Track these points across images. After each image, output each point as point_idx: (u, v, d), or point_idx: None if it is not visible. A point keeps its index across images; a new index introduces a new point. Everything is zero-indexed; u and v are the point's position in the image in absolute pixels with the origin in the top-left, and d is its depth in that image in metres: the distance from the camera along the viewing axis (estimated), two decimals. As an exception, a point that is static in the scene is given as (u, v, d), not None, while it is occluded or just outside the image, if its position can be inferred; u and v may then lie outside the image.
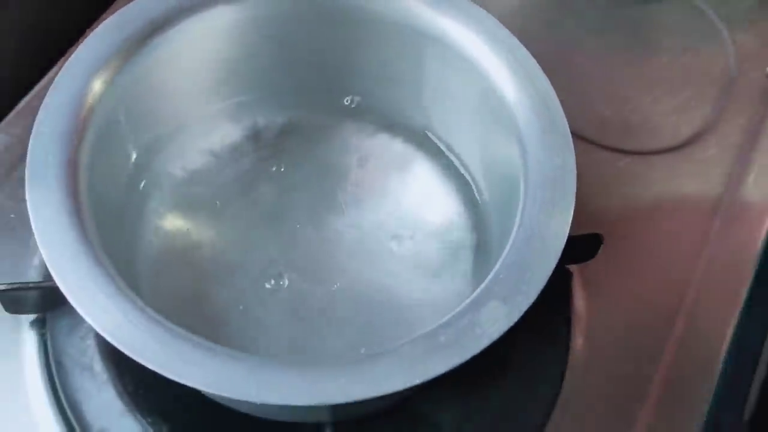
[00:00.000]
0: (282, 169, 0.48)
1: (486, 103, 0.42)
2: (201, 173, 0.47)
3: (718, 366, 0.49)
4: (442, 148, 0.48)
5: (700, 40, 0.61)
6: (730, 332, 0.50)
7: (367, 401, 0.39)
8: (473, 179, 0.46)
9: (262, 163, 0.48)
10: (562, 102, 0.55)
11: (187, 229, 0.46)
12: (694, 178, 0.55)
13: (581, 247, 0.48)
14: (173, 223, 0.46)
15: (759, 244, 0.53)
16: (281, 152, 0.49)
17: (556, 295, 0.48)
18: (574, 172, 0.38)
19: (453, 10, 0.42)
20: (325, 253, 0.46)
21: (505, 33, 0.41)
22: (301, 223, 0.47)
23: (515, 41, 0.41)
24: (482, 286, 0.36)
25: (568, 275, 0.51)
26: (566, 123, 0.39)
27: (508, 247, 0.36)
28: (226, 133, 0.49)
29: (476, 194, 0.46)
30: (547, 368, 0.47)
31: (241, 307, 0.44)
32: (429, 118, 0.48)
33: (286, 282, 0.45)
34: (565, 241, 0.37)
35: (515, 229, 0.37)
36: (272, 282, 0.45)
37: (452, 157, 0.48)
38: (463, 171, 0.47)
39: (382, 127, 0.50)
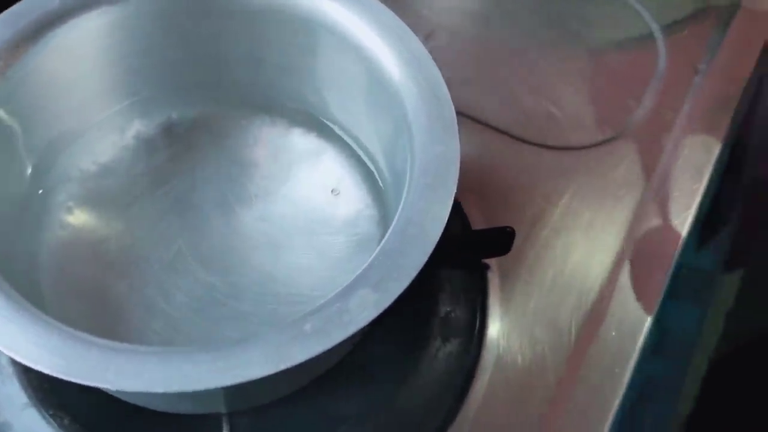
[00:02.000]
0: (194, 163, 0.48)
1: (378, 93, 0.42)
2: (112, 167, 0.48)
3: (633, 360, 0.48)
4: (349, 141, 0.48)
5: (630, 36, 0.61)
6: (647, 326, 0.49)
7: (259, 391, 0.39)
8: (378, 170, 0.46)
9: (174, 156, 0.48)
10: (487, 96, 0.56)
11: (95, 223, 0.46)
12: (617, 173, 0.55)
13: (494, 240, 0.48)
14: (81, 216, 0.46)
15: (680, 241, 0.53)
16: (193, 146, 0.49)
17: (471, 288, 0.49)
18: (457, 159, 0.38)
19: (347, 1, 0.42)
20: (233, 245, 0.46)
21: (396, 22, 0.41)
22: (211, 216, 0.47)
23: (406, 30, 0.41)
24: (357, 273, 0.35)
25: (484, 269, 0.50)
26: (453, 111, 0.39)
27: (387, 234, 0.36)
28: (139, 128, 0.49)
29: (381, 185, 0.46)
30: (459, 361, 0.47)
31: (144, 300, 0.44)
32: (333, 110, 0.48)
33: (192, 274, 0.45)
34: (443, 228, 0.36)
35: (396, 216, 0.37)
36: (178, 274, 0.45)
37: (358, 150, 0.48)
38: (368, 163, 0.47)
39: (294, 121, 0.50)
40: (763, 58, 0.59)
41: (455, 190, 0.37)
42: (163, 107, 0.49)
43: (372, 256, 0.36)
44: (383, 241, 0.36)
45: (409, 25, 0.59)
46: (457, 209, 0.51)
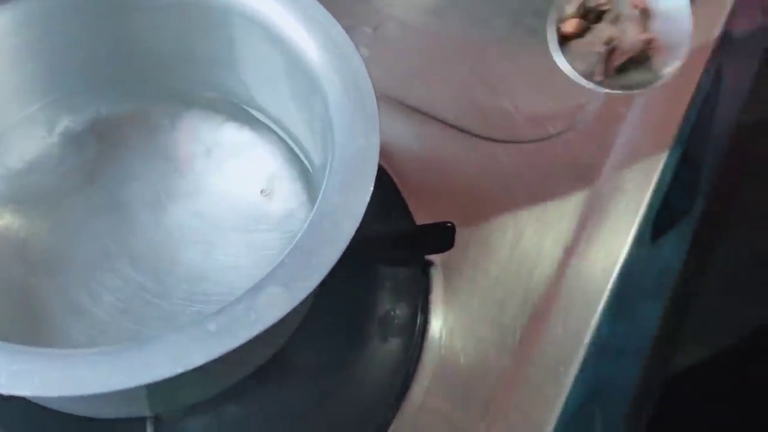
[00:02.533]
0: (124, 160, 0.47)
1: (301, 85, 0.41)
2: (39, 164, 0.47)
3: (578, 360, 0.47)
4: (282, 135, 0.47)
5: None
6: (593, 324, 0.48)
7: (181, 392, 0.38)
8: (311, 164, 0.45)
9: (103, 153, 0.47)
10: (438, 90, 0.54)
11: (21, 222, 0.45)
12: (568, 167, 0.54)
13: (435, 236, 0.47)
14: (5, 215, 0.45)
15: (631, 235, 0.51)
16: (124, 142, 0.48)
17: (413, 286, 0.48)
18: (377, 154, 0.37)
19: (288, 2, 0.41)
20: (164, 243, 0.45)
21: (319, 11, 0.40)
22: (141, 214, 0.46)
23: (331, 20, 0.40)
24: (269, 271, 0.34)
25: (427, 266, 0.49)
26: (375, 103, 0.38)
27: (301, 231, 0.35)
28: (67, 124, 0.48)
29: (315, 179, 0.45)
30: (399, 361, 0.46)
31: (69, 301, 0.43)
32: (262, 103, 0.47)
33: (121, 273, 0.44)
34: (358, 223, 0.35)
35: (313, 211, 0.35)
36: (105, 274, 0.44)
37: (292, 144, 0.47)
38: (302, 157, 0.46)
39: (228, 115, 0.49)
40: (720, 47, 0.58)
41: (372, 186, 0.36)
42: (91, 102, 0.47)
43: (284, 254, 0.34)
44: (296, 238, 0.35)
45: (359, 15, 0.61)
46: (401, 205, 0.50)
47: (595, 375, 0.48)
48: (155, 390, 0.36)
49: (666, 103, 0.56)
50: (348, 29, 0.56)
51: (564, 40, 0.45)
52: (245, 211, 0.46)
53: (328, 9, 0.58)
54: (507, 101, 0.56)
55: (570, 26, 0.45)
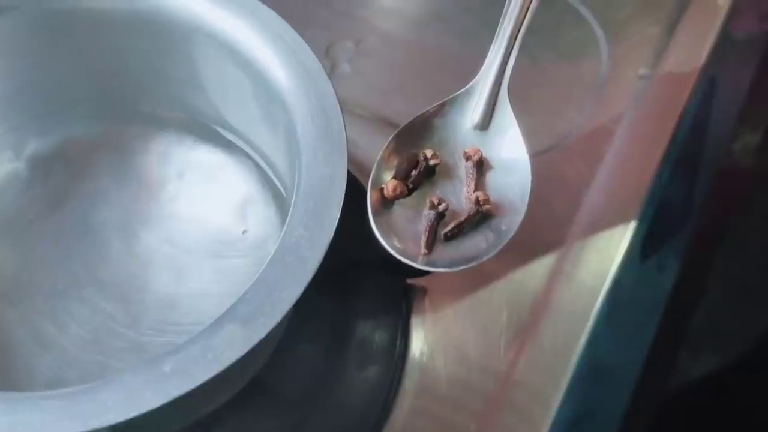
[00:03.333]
0: (95, 183, 0.46)
1: (270, 108, 0.39)
2: (6, 188, 0.45)
3: (564, 383, 0.45)
4: (256, 158, 0.46)
5: (573, 42, 0.58)
6: (581, 346, 0.46)
7: (149, 426, 0.36)
8: (285, 189, 0.43)
9: (73, 176, 0.46)
10: (420, 104, 0.52)
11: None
12: (554, 185, 0.52)
13: None
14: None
15: (618, 255, 0.49)
16: (94, 165, 0.46)
17: (392, 309, 0.47)
18: (343, 183, 0.35)
19: (238, 10, 0.39)
20: (134, 270, 0.44)
21: (289, 33, 0.39)
22: (111, 239, 0.45)
23: (299, 41, 0.39)
24: (228, 307, 0.33)
25: (407, 286, 0.47)
26: (343, 130, 0.37)
27: (266, 263, 0.33)
28: (36, 146, 0.47)
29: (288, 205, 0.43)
30: (377, 389, 0.45)
31: (35, 331, 0.42)
32: (235, 125, 0.46)
33: (89, 302, 0.42)
34: (323, 257, 0.33)
35: (277, 243, 0.34)
36: (73, 302, 0.42)
37: (266, 168, 0.45)
38: (276, 181, 0.45)
39: (201, 137, 0.47)
40: (713, 57, 0.55)
41: (338, 217, 0.35)
42: (60, 125, 0.46)
43: (246, 288, 0.33)
44: (260, 272, 0.33)
45: (340, 29, 0.59)
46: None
47: (584, 396, 0.46)
48: (116, 428, 0.35)
49: (657, 117, 0.54)
50: (329, 45, 0.57)
51: (387, 203, 0.39)
52: (217, 237, 0.45)
53: (308, 25, 0.57)
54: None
55: (392, 188, 0.38)
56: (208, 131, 0.47)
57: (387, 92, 0.56)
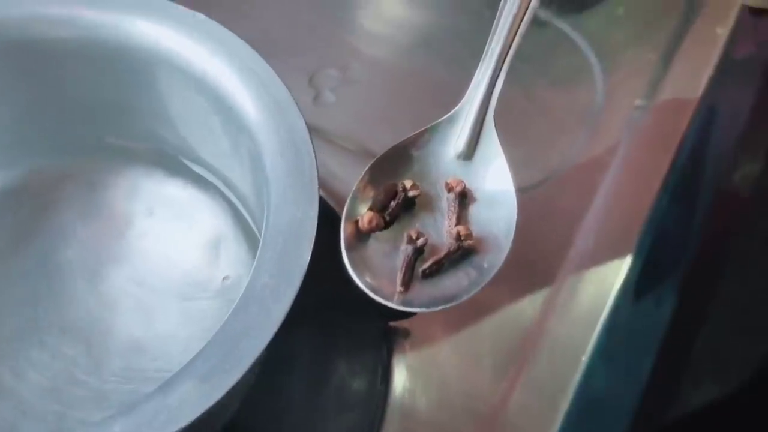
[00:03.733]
0: (61, 218, 0.43)
1: (241, 145, 0.37)
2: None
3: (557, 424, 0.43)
4: (228, 194, 0.44)
5: (566, 70, 0.56)
6: (572, 390, 0.44)
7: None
8: (258, 227, 0.41)
9: (39, 211, 0.44)
10: (406, 135, 0.50)
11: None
12: (546, 221, 0.49)
13: None
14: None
15: (612, 293, 0.47)
16: (62, 200, 0.44)
17: (371, 352, 0.45)
18: (313, 227, 0.33)
19: (205, 40, 0.37)
20: (99, 312, 0.42)
21: (260, 65, 0.36)
22: (77, 278, 0.43)
23: (270, 74, 0.36)
24: (186, 363, 0.30)
25: (388, 327, 0.45)
26: (315, 167, 0.34)
27: (228, 314, 0.31)
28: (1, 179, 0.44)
29: (261, 244, 0.41)
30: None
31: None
32: (207, 160, 0.44)
33: (49, 346, 0.40)
34: (289, 307, 0.31)
35: (241, 292, 0.32)
36: (32, 346, 0.40)
37: (238, 204, 0.43)
38: (249, 219, 0.42)
39: (171, 171, 0.45)
40: (712, 86, 0.53)
41: (307, 264, 0.32)
42: (25, 157, 0.44)
43: (206, 343, 0.31)
44: (222, 324, 0.31)
45: (325, 57, 0.57)
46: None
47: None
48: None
49: (653, 149, 0.52)
50: (313, 73, 0.54)
51: (362, 237, 0.36)
52: (187, 277, 0.43)
53: (293, 52, 0.56)
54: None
55: (368, 220, 0.36)
56: (178, 165, 0.45)
57: (372, 122, 0.54)
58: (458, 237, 0.35)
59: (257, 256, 0.33)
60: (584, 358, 0.44)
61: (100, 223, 0.44)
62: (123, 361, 0.41)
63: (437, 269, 0.35)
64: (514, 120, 0.52)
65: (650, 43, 0.55)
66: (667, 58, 0.54)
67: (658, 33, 0.55)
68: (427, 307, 0.34)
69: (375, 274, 0.34)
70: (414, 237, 0.35)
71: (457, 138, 0.37)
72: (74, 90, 0.41)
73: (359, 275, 0.34)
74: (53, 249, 0.43)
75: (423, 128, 0.38)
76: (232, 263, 0.43)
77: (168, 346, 0.41)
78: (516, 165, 0.49)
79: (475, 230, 0.36)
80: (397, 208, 0.36)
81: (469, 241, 0.35)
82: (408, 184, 0.36)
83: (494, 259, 0.35)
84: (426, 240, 0.35)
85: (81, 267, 0.43)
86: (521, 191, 0.49)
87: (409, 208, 0.37)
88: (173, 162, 0.45)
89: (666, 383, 0.47)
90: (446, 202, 0.37)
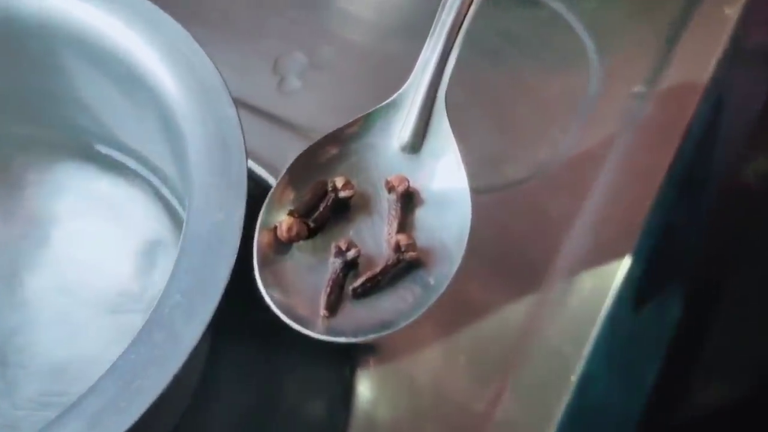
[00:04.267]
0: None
1: (170, 138, 0.31)
2: None
3: None
4: (165, 192, 0.39)
5: (559, 54, 0.51)
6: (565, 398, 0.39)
7: None
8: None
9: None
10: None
11: None
12: (531, 222, 0.45)
13: None
14: None
15: (610, 299, 0.42)
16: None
17: (330, 383, 0.40)
18: (237, 235, 0.28)
19: (118, 11, 0.32)
20: (18, 326, 0.37)
21: (189, 45, 0.31)
22: (-7, 288, 0.37)
23: (200, 54, 0.31)
24: (76, 399, 0.25)
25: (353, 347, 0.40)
26: (244, 165, 0.29)
27: (130, 342, 0.26)
28: None
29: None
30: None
31: None
32: (144, 154, 0.39)
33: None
34: (201, 333, 0.26)
35: (149, 315, 0.26)
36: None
37: (175, 203, 0.38)
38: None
39: (105, 167, 0.40)
40: (720, 72, 0.48)
41: (227, 280, 0.26)
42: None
43: (101, 376, 0.26)
44: (120, 355, 0.26)
45: (291, 39, 0.51)
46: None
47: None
48: None
49: (654, 142, 0.47)
50: (278, 57, 0.49)
51: (282, 248, 0.30)
52: (118, 286, 0.38)
53: (257, 35, 0.50)
54: (461, 140, 0.46)
55: (287, 228, 0.30)
56: (106, 158, 0.40)
57: (342, 111, 0.48)
58: (398, 248, 0.29)
59: (172, 269, 0.28)
60: (580, 366, 0.40)
61: (23, 226, 0.39)
62: (40, 383, 0.36)
63: (372, 287, 0.29)
64: (499, 109, 0.48)
65: (652, 24, 0.50)
66: (671, 41, 0.49)
67: (661, 13, 0.50)
68: (355, 335, 0.28)
69: (294, 294, 0.29)
70: (344, 248, 0.30)
71: (402, 127, 0.31)
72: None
73: (273, 295, 0.28)
74: (-34, 253, 0.38)
75: (359, 115, 0.32)
76: (168, 272, 0.37)
77: (93, 367, 0.35)
78: (500, 159, 0.46)
79: (421, 238, 0.30)
80: (326, 211, 0.30)
81: (412, 253, 0.29)
82: (339, 182, 0.31)
83: (441, 274, 0.29)
84: (358, 251, 0.30)
85: (-3, 274, 0.37)
86: (504, 188, 0.46)
87: (341, 213, 0.31)
88: (100, 155, 0.40)
89: (672, 391, 0.43)
90: (386, 204, 0.31)
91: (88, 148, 0.40)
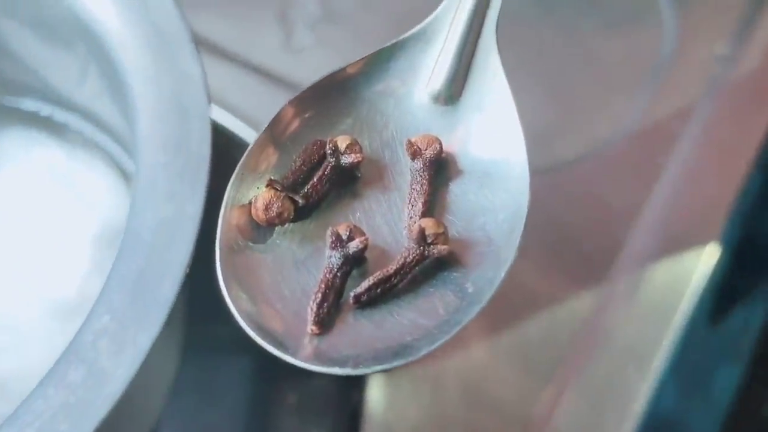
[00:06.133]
0: None
1: (116, 101, 0.25)
2: None
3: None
4: (126, 164, 0.32)
5: (628, 9, 0.45)
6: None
7: None
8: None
9: None
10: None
11: None
12: (586, 208, 0.40)
13: None
14: None
15: (679, 314, 0.37)
16: None
17: (336, 392, 0.35)
18: (192, 232, 0.20)
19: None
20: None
21: (174, 19, 0.24)
22: None
23: (180, 26, 0.24)
24: None
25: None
26: (207, 141, 0.22)
27: (35, 388, 0.21)
28: None
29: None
30: None
31: None
32: (101, 118, 0.33)
33: None
34: (132, 376, 0.19)
35: (65, 349, 0.21)
36: None
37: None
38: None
39: (56, 135, 0.34)
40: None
41: (175, 294, 0.20)
42: None
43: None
44: (22, 402, 0.19)
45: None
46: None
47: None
48: None
49: (740, 114, 0.42)
50: (285, 7, 0.44)
51: (257, 234, 0.22)
52: (71, 285, 0.32)
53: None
54: (534, 113, 0.41)
55: (265, 206, 0.21)
56: (55, 122, 0.33)
57: None
58: (422, 237, 0.21)
59: (105, 281, 0.21)
60: (650, 374, 0.36)
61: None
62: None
63: (382, 294, 0.21)
64: (551, 73, 0.43)
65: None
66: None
67: (753, -44, 0.45)
68: (355, 365, 0.20)
69: (272, 301, 0.21)
70: (344, 236, 0.21)
71: (433, 68, 0.23)
72: None
73: (240, 303, 0.20)
74: None
75: (375, 50, 0.24)
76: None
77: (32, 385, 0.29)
78: (551, 134, 0.41)
79: (457, 226, 0.22)
80: (322, 184, 0.22)
81: (442, 246, 0.21)
82: (342, 143, 0.22)
83: (485, 278, 0.21)
84: (366, 242, 0.21)
85: None
86: (556, 169, 0.40)
87: (344, 187, 0.23)
88: (40, 116, 0.33)
89: (753, 406, 0.39)
90: (408, 175, 0.23)
91: (25, 108, 0.33)
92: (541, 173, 0.39)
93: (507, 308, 0.38)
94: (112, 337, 0.20)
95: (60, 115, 0.33)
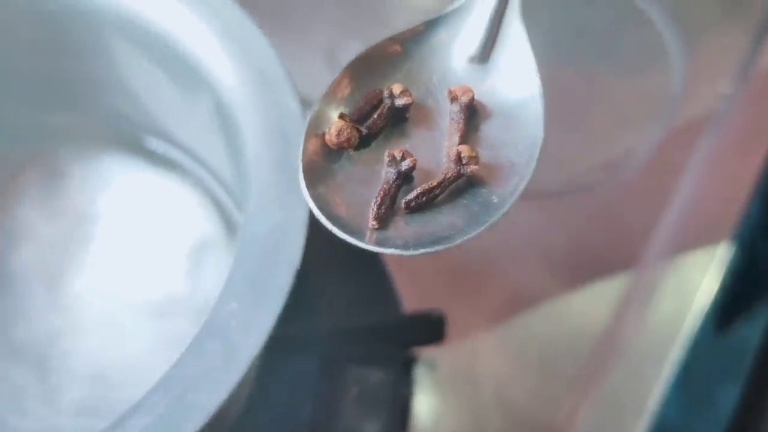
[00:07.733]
0: (18, 216, 0.37)
1: (225, 130, 0.29)
2: None
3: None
4: (215, 187, 0.36)
5: (637, 52, 0.47)
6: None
7: None
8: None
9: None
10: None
11: None
12: (605, 231, 0.43)
13: (420, 327, 0.38)
14: None
15: (686, 323, 0.38)
16: (18, 193, 0.37)
17: (391, 392, 0.37)
18: (301, 235, 0.25)
19: (193, 4, 0.29)
20: (58, 329, 0.35)
21: (246, 26, 0.29)
22: (33, 288, 0.36)
23: (260, 39, 0.28)
24: (121, 414, 0.22)
25: (411, 364, 0.38)
26: (306, 159, 0.26)
27: (181, 352, 0.23)
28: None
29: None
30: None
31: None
32: (194, 148, 0.36)
33: (5, 367, 0.34)
34: (258, 349, 0.23)
35: (203, 323, 0.24)
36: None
37: (227, 201, 0.35)
38: (239, 219, 0.35)
39: (152, 162, 0.38)
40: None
41: (289, 286, 0.24)
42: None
43: (150, 388, 0.23)
44: (170, 367, 0.23)
45: (349, 23, 0.49)
46: (383, 283, 0.38)
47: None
48: None
49: (742, 149, 0.44)
50: (333, 47, 0.47)
51: (331, 155, 0.27)
52: (164, 290, 0.36)
53: (311, 20, 0.48)
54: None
55: (337, 133, 0.27)
56: (160, 154, 0.38)
57: None
58: (459, 159, 0.26)
59: (228, 274, 0.25)
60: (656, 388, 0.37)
61: (65, 223, 0.37)
62: (82, 389, 0.34)
63: (427, 202, 0.26)
64: (573, 111, 0.45)
65: (740, 18, 0.47)
66: (761, 37, 0.46)
67: (750, 6, 0.47)
68: (406, 248, 0.25)
69: (344, 204, 0.26)
70: (398, 157, 0.26)
71: (469, 35, 0.28)
72: (15, 61, 0.33)
73: (320, 203, 0.25)
74: (7, 253, 0.37)
75: (424, 21, 0.29)
76: (218, 275, 0.35)
77: (136, 375, 0.34)
78: (572, 162, 0.44)
79: (486, 156, 0.26)
80: (381, 120, 0.27)
81: (474, 166, 0.26)
82: (397, 89, 0.27)
83: (506, 193, 0.26)
84: (414, 162, 0.26)
85: (39, 274, 0.36)
86: (579, 193, 0.43)
87: (397, 124, 0.28)
88: (148, 148, 0.38)
89: (752, 421, 0.38)
90: (449, 116, 0.28)
91: (136, 141, 0.38)
92: (564, 197, 0.44)
93: (532, 320, 0.40)
94: (239, 319, 0.25)
95: (160, 145, 0.38)
